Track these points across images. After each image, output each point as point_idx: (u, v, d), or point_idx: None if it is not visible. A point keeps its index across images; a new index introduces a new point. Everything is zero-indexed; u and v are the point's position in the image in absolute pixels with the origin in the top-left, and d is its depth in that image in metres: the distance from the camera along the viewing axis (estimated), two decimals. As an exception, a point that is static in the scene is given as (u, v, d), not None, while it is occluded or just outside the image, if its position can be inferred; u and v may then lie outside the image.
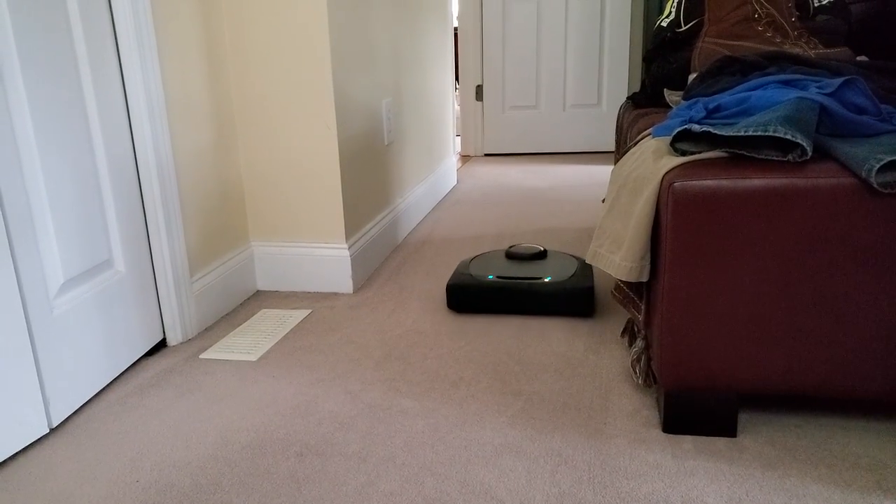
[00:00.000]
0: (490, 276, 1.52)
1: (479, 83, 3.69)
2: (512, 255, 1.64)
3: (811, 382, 0.95)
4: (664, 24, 1.69)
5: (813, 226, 0.88)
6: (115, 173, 1.24)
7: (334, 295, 1.67)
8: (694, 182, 0.90)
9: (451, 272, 1.82)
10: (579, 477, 0.93)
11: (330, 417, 1.10)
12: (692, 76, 1.49)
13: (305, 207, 1.66)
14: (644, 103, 1.77)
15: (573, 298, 1.46)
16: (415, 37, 2.33)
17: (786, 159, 0.90)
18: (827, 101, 0.93)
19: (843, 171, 0.87)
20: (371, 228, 1.84)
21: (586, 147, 3.70)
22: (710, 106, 1.02)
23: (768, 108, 0.95)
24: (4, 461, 1.02)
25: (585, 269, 1.55)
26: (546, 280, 1.49)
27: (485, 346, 1.34)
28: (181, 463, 0.99)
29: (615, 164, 1.39)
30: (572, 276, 1.51)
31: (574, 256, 1.65)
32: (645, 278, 1.01)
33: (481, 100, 3.71)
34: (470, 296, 1.51)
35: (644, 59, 1.76)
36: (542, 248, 1.65)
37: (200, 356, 1.35)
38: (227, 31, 1.57)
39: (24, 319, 1.03)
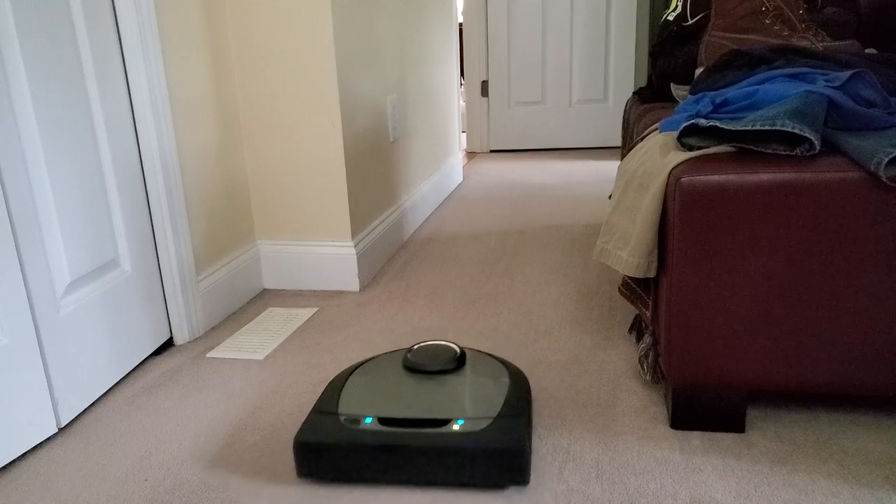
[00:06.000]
0: (368, 420, 0.92)
1: (485, 79, 3.68)
2: (413, 367, 1.03)
3: (820, 378, 0.94)
4: (670, 17, 1.69)
5: (821, 220, 0.88)
6: (121, 173, 1.25)
7: (341, 293, 1.67)
8: (701, 177, 0.90)
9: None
10: (587, 473, 0.92)
11: (337, 415, 1.10)
12: (699, 70, 1.48)
13: (311, 205, 1.66)
14: (650, 98, 1.77)
15: (491, 461, 0.86)
16: (419, 33, 2.32)
17: (794, 153, 0.89)
18: (835, 95, 0.92)
19: (852, 165, 0.87)
20: (377, 226, 1.84)
21: (592, 143, 3.69)
22: (717, 100, 1.01)
23: (776, 101, 0.94)
24: (14, 461, 1.02)
25: (514, 396, 0.95)
26: (455, 428, 0.89)
27: (493, 345, 1.34)
28: (189, 462, 1.00)
29: (622, 159, 1.39)
30: (498, 416, 0.90)
31: (505, 365, 1.04)
32: (652, 274, 1.00)
33: (487, 96, 3.70)
34: (332, 460, 0.90)
35: (650, 54, 1.75)
36: (457, 351, 1.05)
37: (207, 355, 1.35)
38: (230, 28, 1.57)
39: (32, 320, 1.04)
